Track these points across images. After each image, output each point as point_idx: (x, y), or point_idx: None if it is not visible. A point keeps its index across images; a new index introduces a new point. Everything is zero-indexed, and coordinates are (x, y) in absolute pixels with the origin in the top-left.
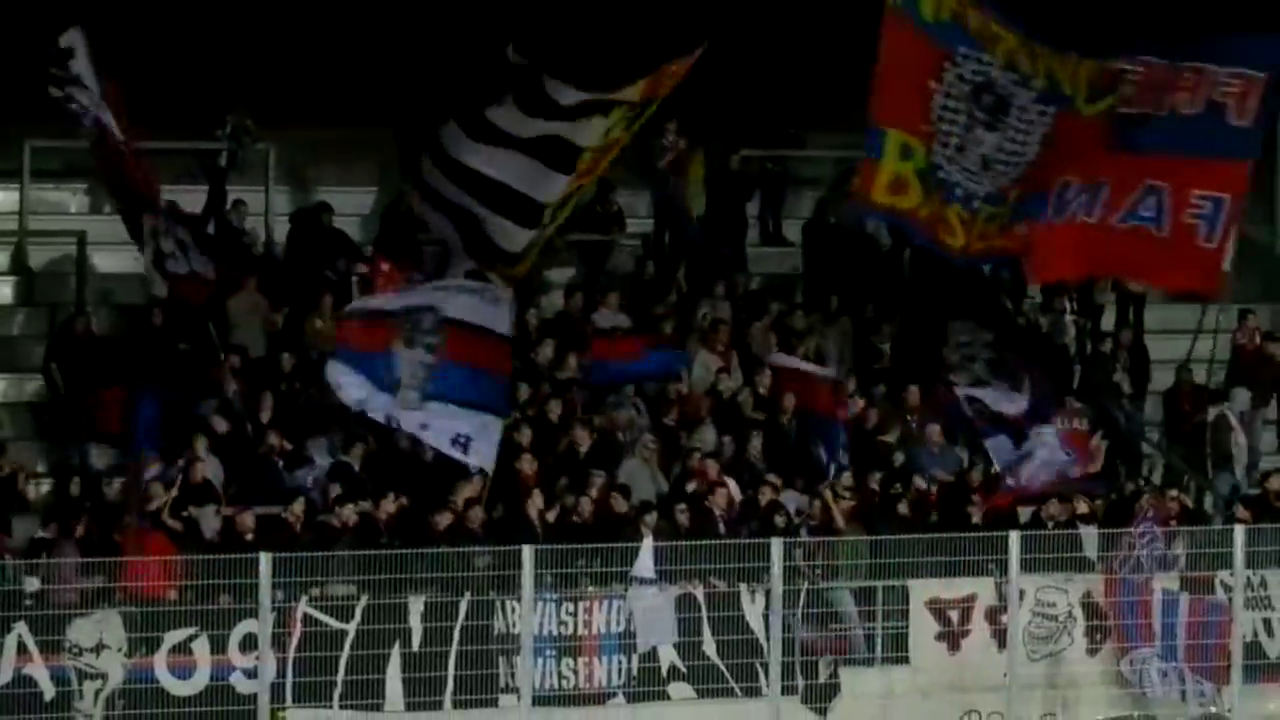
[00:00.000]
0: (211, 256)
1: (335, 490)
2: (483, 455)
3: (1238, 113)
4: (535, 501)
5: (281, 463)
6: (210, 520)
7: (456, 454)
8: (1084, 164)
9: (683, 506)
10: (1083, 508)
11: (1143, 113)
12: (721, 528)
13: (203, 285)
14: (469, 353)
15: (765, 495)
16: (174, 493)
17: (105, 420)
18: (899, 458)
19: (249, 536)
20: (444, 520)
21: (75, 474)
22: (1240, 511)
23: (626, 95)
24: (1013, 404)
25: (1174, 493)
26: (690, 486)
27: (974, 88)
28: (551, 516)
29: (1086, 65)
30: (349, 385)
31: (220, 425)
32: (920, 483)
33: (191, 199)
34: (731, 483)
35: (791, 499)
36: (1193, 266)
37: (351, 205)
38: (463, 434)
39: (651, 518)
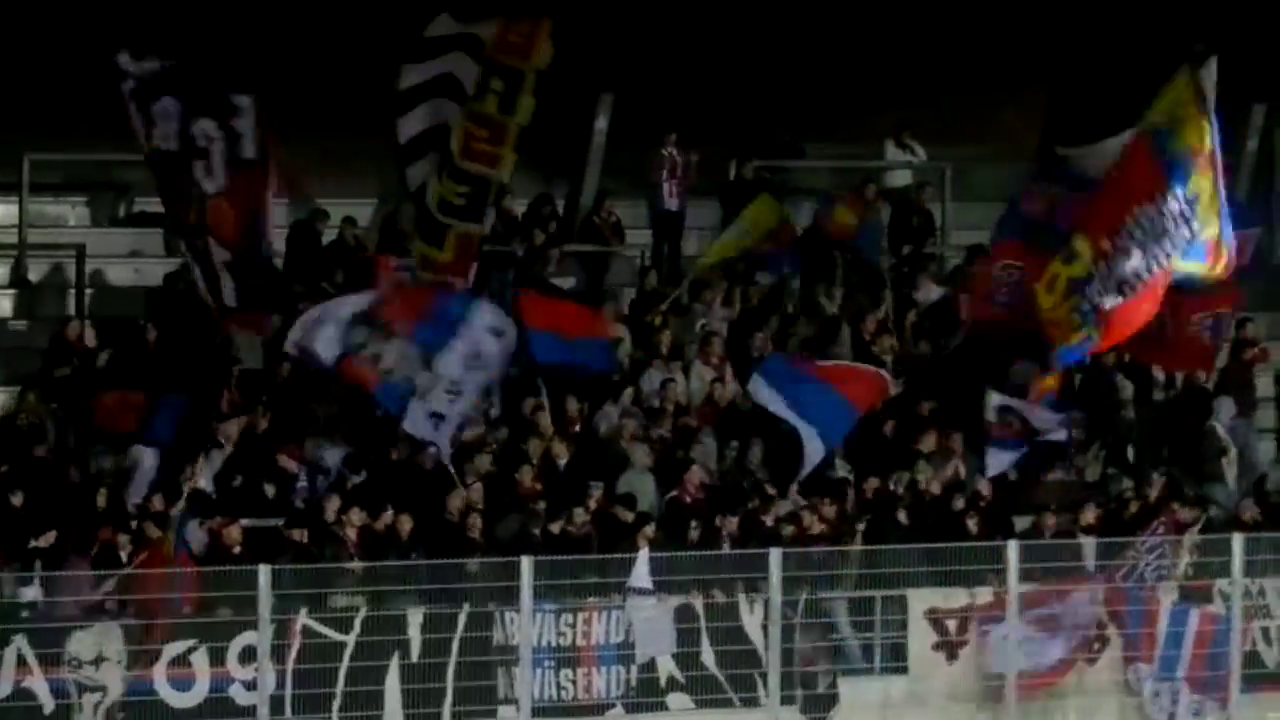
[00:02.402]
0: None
1: (336, 501)
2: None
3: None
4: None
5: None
6: (199, 533)
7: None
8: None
9: (695, 524)
10: (1088, 518)
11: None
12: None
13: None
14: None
15: (766, 506)
16: (181, 504)
17: (110, 423)
18: (924, 468)
19: (236, 550)
20: (441, 529)
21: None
22: (1245, 513)
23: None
24: (1048, 424)
25: (1177, 505)
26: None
27: (1163, 225)
28: (555, 528)
29: None
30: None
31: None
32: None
33: None
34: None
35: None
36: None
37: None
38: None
39: (650, 528)
